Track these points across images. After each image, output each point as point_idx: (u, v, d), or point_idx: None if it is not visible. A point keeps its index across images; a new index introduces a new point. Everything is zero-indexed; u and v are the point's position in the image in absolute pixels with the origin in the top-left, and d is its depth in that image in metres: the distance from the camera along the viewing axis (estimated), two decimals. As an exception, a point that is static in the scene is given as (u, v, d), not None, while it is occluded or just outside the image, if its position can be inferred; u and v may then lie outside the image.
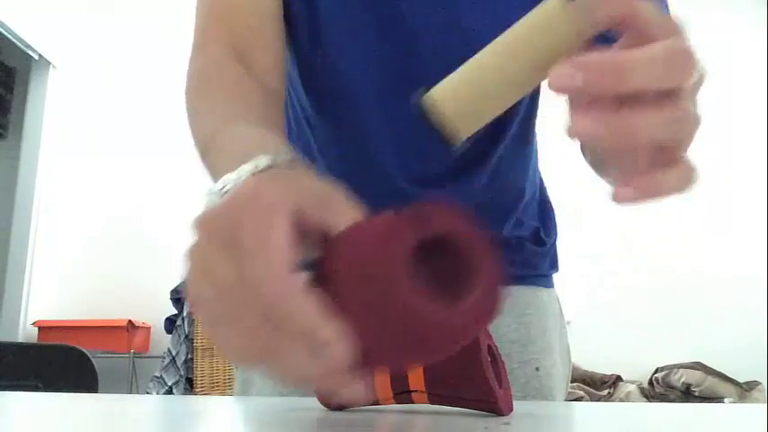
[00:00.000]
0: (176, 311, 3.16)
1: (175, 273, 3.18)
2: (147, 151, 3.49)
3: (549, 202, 0.87)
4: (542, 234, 0.83)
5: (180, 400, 1.14)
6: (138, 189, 3.37)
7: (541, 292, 0.82)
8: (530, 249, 0.81)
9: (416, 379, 0.50)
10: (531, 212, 0.83)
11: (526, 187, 0.81)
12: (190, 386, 3.04)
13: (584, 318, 3.60)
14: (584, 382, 3.36)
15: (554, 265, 0.85)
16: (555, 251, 0.86)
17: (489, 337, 0.53)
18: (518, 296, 0.79)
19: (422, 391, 0.50)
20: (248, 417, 0.54)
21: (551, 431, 0.52)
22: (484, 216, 0.33)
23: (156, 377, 3.07)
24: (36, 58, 3.33)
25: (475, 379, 0.49)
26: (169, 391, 2.99)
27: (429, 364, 0.50)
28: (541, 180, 0.87)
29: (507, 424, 0.46)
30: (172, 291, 3.17)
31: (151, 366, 3.19)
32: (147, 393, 3.00)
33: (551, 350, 0.79)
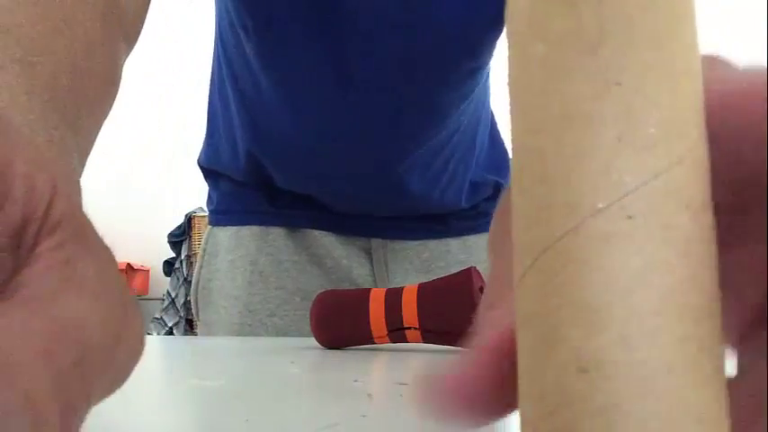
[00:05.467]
0: (174, 254, 3.19)
1: (173, 216, 3.19)
2: (149, 101, 3.45)
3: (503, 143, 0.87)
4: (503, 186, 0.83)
5: (181, 341, 1.17)
6: (137, 144, 3.35)
7: None
8: (483, 205, 0.82)
9: (410, 316, 0.52)
10: (486, 164, 0.84)
11: (478, 133, 0.81)
12: (190, 327, 3.09)
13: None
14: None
15: None
16: None
17: (481, 279, 0.54)
18: (480, 246, 0.81)
19: (415, 328, 0.52)
20: (249, 356, 0.56)
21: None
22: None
23: (157, 318, 3.12)
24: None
25: (466, 310, 0.50)
26: (170, 332, 3.04)
27: (423, 300, 0.52)
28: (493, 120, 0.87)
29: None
30: (169, 234, 3.19)
31: (151, 308, 3.24)
32: (149, 334, 3.05)
33: None
